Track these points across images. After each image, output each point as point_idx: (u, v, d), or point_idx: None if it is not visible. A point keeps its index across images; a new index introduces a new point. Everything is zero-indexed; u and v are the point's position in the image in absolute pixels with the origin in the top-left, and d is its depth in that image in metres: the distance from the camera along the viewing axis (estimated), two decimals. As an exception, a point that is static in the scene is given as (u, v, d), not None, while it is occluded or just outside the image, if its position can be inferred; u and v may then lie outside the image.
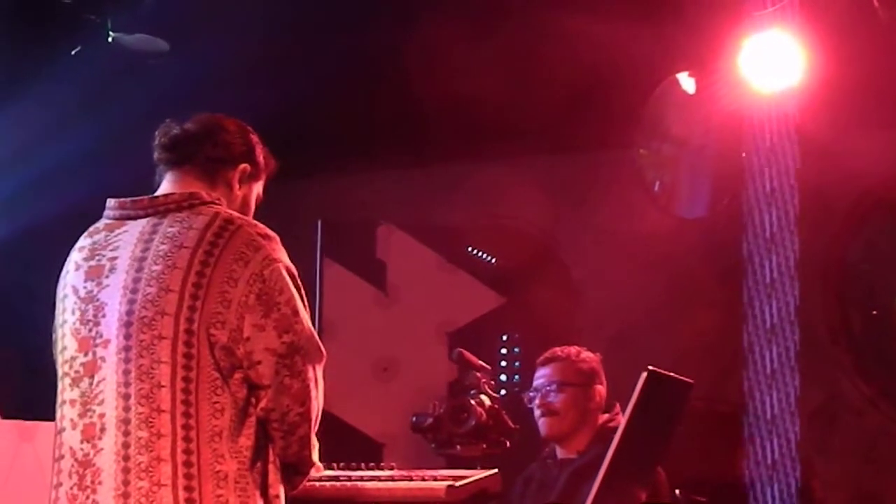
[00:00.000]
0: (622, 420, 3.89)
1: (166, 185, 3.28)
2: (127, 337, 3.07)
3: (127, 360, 3.06)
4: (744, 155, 6.61)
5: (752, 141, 6.56)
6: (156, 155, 3.33)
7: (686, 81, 6.37)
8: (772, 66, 5.80)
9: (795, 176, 6.70)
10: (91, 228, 3.27)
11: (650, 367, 3.78)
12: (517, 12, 6.11)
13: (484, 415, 4.38)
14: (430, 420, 4.44)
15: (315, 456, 3.24)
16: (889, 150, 6.68)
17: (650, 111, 6.67)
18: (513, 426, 4.51)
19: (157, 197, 3.23)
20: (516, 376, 7.24)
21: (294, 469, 3.21)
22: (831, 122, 6.18)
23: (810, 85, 5.86)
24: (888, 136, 6.69)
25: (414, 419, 4.49)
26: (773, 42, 5.76)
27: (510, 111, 6.67)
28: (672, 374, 3.86)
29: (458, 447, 4.40)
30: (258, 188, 3.41)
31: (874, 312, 7.26)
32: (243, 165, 3.34)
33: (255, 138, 3.39)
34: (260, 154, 3.38)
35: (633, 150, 7.11)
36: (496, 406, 4.48)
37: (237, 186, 3.33)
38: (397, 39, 6.19)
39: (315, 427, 3.18)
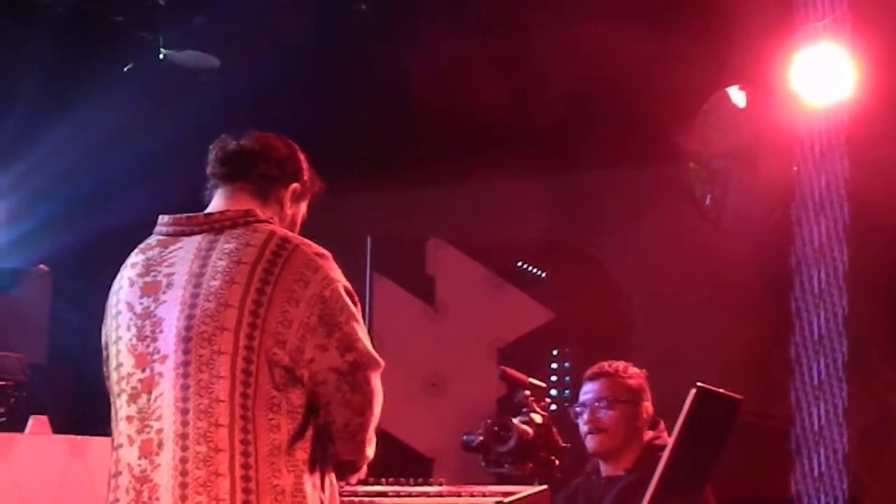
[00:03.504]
0: (671, 437, 3.85)
1: (219, 201, 3.30)
2: (186, 352, 3.08)
3: (185, 375, 3.07)
4: (795, 169, 6.57)
5: (803, 154, 6.52)
6: (209, 168, 3.34)
7: (736, 95, 6.35)
8: (822, 79, 5.77)
9: (846, 189, 6.65)
10: (142, 245, 3.28)
11: (699, 384, 3.75)
12: (568, 30, 6.11)
13: (530, 433, 4.35)
14: (479, 439, 4.43)
15: (370, 452, 3.26)
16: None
17: (701, 125, 6.64)
18: (563, 445, 4.48)
19: (212, 214, 3.25)
20: (566, 391, 7.22)
21: (351, 465, 3.26)
22: (882, 135, 6.14)
23: (861, 98, 5.82)
24: (941, 149, 6.63)
25: (464, 438, 4.48)
26: (824, 55, 5.74)
27: (564, 127, 6.67)
28: (721, 389, 3.83)
29: (507, 466, 4.38)
30: (304, 208, 3.44)
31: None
32: (294, 185, 3.37)
33: (303, 158, 3.41)
34: (307, 174, 3.41)
35: (684, 164, 7.08)
36: (547, 424, 4.45)
37: (287, 205, 3.36)
38: (452, 55, 6.20)
39: (373, 428, 3.22)
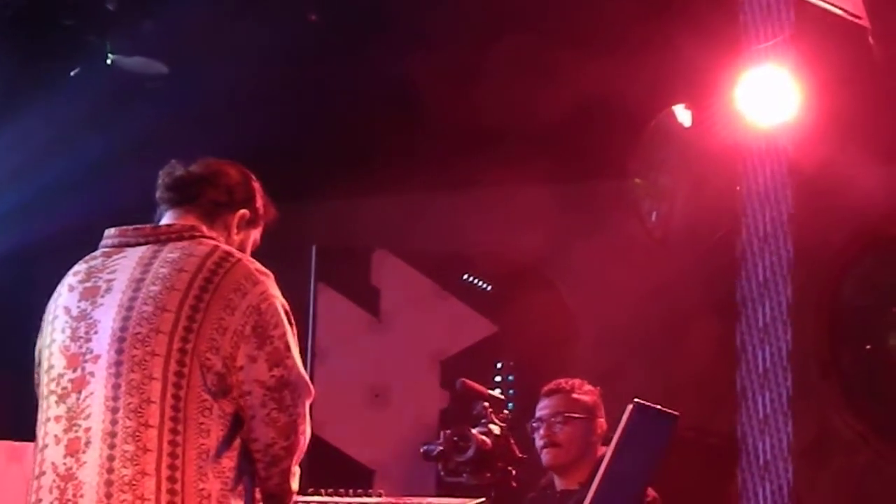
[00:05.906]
0: (608, 451, 3.90)
1: (166, 221, 3.33)
2: (119, 352, 3.09)
3: (117, 375, 3.08)
4: (738, 188, 6.62)
5: (748, 174, 6.57)
6: (158, 194, 3.38)
7: (682, 114, 6.39)
8: (767, 100, 5.82)
9: (790, 210, 6.71)
10: (87, 257, 3.30)
11: (636, 399, 3.79)
12: (518, 43, 6.14)
13: (489, 443, 4.40)
14: (439, 449, 4.47)
15: (295, 485, 3.26)
16: (884, 186, 6.70)
17: (646, 142, 6.68)
18: (520, 455, 4.54)
19: (159, 226, 3.29)
20: (510, 404, 7.25)
21: (274, 499, 3.25)
22: (826, 157, 6.20)
23: (806, 120, 5.88)
24: (883, 171, 6.70)
25: (424, 448, 4.52)
26: (769, 77, 5.78)
27: (508, 140, 6.69)
28: (658, 406, 3.86)
29: (465, 475, 4.42)
30: (255, 234, 3.48)
31: (868, 347, 7.26)
32: (243, 211, 3.40)
33: (256, 186, 3.45)
34: (260, 202, 3.43)
35: (630, 181, 7.12)
36: (505, 435, 4.50)
37: (235, 231, 3.39)
38: (396, 64, 6.22)
39: (298, 460, 3.21)
